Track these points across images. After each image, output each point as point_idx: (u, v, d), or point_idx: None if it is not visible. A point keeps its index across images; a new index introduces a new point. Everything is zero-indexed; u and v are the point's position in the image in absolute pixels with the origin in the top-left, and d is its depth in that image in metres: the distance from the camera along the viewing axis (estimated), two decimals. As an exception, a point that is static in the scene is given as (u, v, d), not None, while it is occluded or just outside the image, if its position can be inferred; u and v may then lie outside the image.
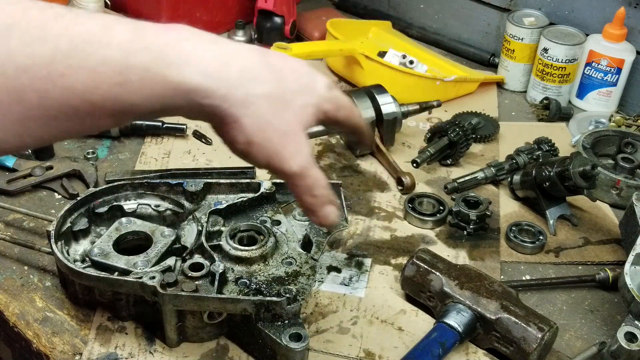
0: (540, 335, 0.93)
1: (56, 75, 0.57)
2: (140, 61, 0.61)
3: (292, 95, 0.70)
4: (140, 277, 0.92)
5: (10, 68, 0.55)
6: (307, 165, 0.71)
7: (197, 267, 0.95)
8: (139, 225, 1.04)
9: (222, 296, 0.91)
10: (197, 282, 0.92)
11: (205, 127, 1.44)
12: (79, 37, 0.58)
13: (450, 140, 1.33)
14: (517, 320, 0.95)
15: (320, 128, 1.34)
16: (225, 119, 0.66)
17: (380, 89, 1.37)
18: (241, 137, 0.68)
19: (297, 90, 0.71)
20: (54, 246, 0.98)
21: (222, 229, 1.02)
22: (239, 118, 0.66)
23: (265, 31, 1.70)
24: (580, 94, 1.58)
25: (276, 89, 0.69)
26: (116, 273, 0.96)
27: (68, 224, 1.03)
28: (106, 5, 1.66)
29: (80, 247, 1.04)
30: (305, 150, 0.71)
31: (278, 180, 1.12)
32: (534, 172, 1.22)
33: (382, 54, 1.59)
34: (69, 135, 0.67)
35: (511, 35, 1.59)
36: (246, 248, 0.98)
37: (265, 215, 1.07)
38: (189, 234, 1.04)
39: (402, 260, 1.14)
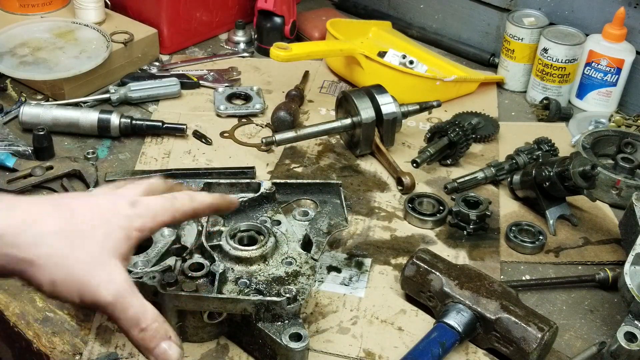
0: (540, 335, 0.93)
1: None
2: None
3: (89, 227, 0.70)
4: (141, 277, 0.92)
5: None
6: (123, 294, 0.68)
7: (197, 267, 0.95)
8: (139, 225, 1.04)
9: (222, 296, 0.91)
10: (197, 282, 0.92)
11: (205, 127, 1.44)
12: None
13: (450, 140, 1.33)
14: (517, 320, 0.95)
15: (320, 128, 1.35)
16: (20, 264, 0.66)
17: (380, 89, 1.37)
18: (43, 277, 0.66)
19: (93, 221, 0.70)
20: (54, 246, 0.98)
21: (222, 229, 1.02)
22: (33, 259, 0.66)
23: (265, 31, 1.70)
24: (580, 94, 1.58)
25: (68, 223, 0.68)
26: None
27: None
28: (106, 5, 1.66)
29: (80, 247, 1.04)
30: (118, 278, 0.69)
31: (278, 180, 1.12)
32: (534, 172, 1.22)
33: (382, 54, 1.59)
34: None
35: (511, 35, 1.59)
36: (246, 248, 0.98)
37: (265, 215, 1.07)
38: (189, 233, 1.04)
39: (402, 260, 1.14)
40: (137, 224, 0.73)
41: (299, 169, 1.35)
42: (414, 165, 1.30)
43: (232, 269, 0.96)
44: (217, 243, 0.99)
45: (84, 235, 0.68)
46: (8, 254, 0.65)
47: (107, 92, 1.49)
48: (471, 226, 1.19)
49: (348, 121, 1.36)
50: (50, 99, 1.48)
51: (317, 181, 1.15)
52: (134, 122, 1.38)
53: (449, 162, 1.36)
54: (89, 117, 1.36)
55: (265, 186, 1.10)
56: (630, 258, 1.01)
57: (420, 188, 1.30)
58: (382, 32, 1.76)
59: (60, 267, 0.67)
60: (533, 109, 1.58)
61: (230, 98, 1.52)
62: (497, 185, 1.32)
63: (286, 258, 0.99)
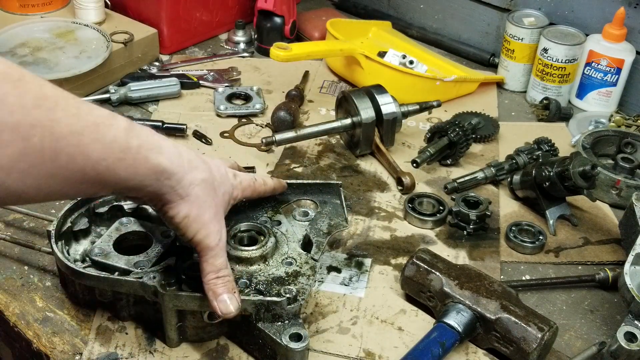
0: (540, 335, 0.93)
1: (83, 145, 0.71)
2: (135, 144, 0.76)
3: (218, 184, 0.88)
4: (141, 277, 0.92)
5: (55, 132, 0.68)
6: (221, 246, 0.87)
7: (197, 266, 0.95)
8: (139, 225, 1.04)
9: (222, 296, 0.91)
10: (197, 282, 0.92)
11: (205, 127, 1.44)
12: (99, 118, 0.73)
13: (450, 140, 1.33)
14: (517, 320, 0.95)
15: (320, 128, 1.35)
16: (176, 196, 0.83)
17: (380, 89, 1.37)
18: (183, 211, 0.84)
19: (220, 180, 0.89)
20: (54, 246, 0.98)
21: (222, 229, 1.02)
22: (184, 196, 0.83)
23: (265, 31, 1.70)
24: (580, 94, 1.58)
25: (209, 177, 0.87)
26: (116, 273, 0.96)
27: (68, 224, 1.03)
28: (106, 5, 1.66)
29: (80, 247, 1.04)
30: (224, 232, 0.88)
31: (278, 180, 1.12)
32: (533, 172, 1.22)
33: (382, 54, 1.59)
34: (65, 196, 0.78)
35: (511, 35, 1.59)
36: (246, 248, 0.98)
37: (266, 215, 1.07)
38: (189, 234, 1.04)
39: (402, 260, 1.14)
40: (234, 193, 0.94)
41: (299, 169, 1.35)
42: (414, 165, 1.30)
43: (232, 269, 0.96)
44: (217, 243, 0.99)
45: (215, 190, 0.87)
46: (173, 187, 0.82)
47: (107, 92, 1.49)
48: (471, 226, 1.19)
49: (348, 121, 1.36)
50: (50, 99, 1.48)
51: (317, 181, 1.15)
52: (135, 121, 1.37)
53: (449, 162, 1.36)
54: (89, 117, 1.36)
55: (265, 186, 1.09)
56: (630, 258, 1.01)
57: (420, 188, 1.31)
58: (382, 32, 1.76)
59: (196, 208, 0.84)
60: (533, 109, 1.58)
61: (230, 98, 1.52)
62: (497, 185, 1.32)
63: (286, 258, 0.99)
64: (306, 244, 1.04)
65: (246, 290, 0.93)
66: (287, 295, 0.90)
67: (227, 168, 0.94)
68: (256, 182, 1.00)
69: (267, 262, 0.98)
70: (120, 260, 0.97)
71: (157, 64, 1.62)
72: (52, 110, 0.68)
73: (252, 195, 0.99)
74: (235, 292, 0.88)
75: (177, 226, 0.85)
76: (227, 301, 0.87)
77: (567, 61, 1.52)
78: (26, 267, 1.09)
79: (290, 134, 1.33)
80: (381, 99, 1.35)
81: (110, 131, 0.74)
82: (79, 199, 1.06)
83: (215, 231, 0.86)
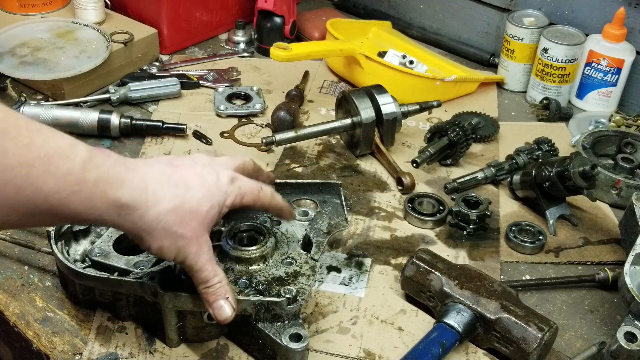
0: (540, 335, 0.93)
1: (33, 177, 0.69)
2: (92, 177, 0.74)
3: (197, 203, 0.83)
4: (141, 277, 0.92)
5: (2, 164, 0.67)
6: (205, 261, 0.85)
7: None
8: (139, 225, 1.04)
9: (222, 296, 0.91)
10: (197, 282, 0.92)
11: (205, 127, 1.44)
12: (53, 149, 0.71)
13: (450, 140, 1.33)
14: (517, 320, 0.95)
15: (320, 128, 1.35)
16: (141, 232, 0.80)
17: (380, 89, 1.37)
18: (154, 244, 0.82)
19: (201, 197, 0.84)
20: (54, 246, 0.98)
21: (222, 229, 1.02)
22: (152, 231, 0.80)
23: (265, 31, 1.70)
24: (580, 94, 1.58)
25: (181, 201, 0.82)
26: (116, 273, 0.96)
27: (68, 224, 1.03)
28: (106, 5, 1.66)
29: (80, 247, 1.04)
30: (203, 249, 0.85)
31: (278, 180, 1.12)
32: (533, 172, 1.22)
33: (382, 54, 1.59)
34: (13, 225, 0.78)
35: (511, 35, 1.59)
36: (246, 248, 0.98)
37: (265, 215, 1.07)
38: (189, 234, 1.04)
39: (402, 260, 1.14)
40: (229, 200, 0.87)
41: (299, 169, 1.35)
42: (414, 165, 1.30)
43: (232, 269, 0.96)
44: (217, 243, 0.99)
45: (191, 212, 0.83)
46: (136, 223, 0.79)
47: (107, 92, 1.49)
48: (471, 226, 1.19)
49: (348, 121, 1.36)
50: (50, 99, 1.48)
51: (317, 181, 1.15)
52: (134, 122, 1.38)
53: (449, 162, 1.36)
54: (89, 117, 1.37)
55: (265, 186, 1.09)
56: (630, 258, 1.01)
57: (420, 188, 1.30)
58: (382, 32, 1.76)
59: (169, 238, 0.81)
60: (533, 109, 1.58)
61: (230, 98, 1.52)
62: (497, 185, 1.32)
63: (286, 258, 0.99)
64: (306, 244, 1.04)
65: (246, 291, 0.93)
66: (287, 296, 0.90)
67: (222, 173, 0.88)
68: (262, 191, 0.92)
69: (267, 262, 0.98)
70: (120, 261, 0.97)
71: (157, 64, 1.62)
72: None
73: (254, 205, 0.92)
74: (228, 297, 0.87)
75: (154, 254, 0.85)
76: (221, 307, 0.87)
77: (567, 61, 1.52)
78: (26, 267, 1.09)
79: (290, 134, 1.33)
80: (381, 99, 1.35)
81: (64, 163, 0.71)
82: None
83: (194, 252, 0.84)
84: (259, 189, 0.92)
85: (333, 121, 1.37)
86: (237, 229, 1.02)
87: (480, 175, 1.29)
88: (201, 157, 0.91)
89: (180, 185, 0.83)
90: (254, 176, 0.95)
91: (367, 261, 1.14)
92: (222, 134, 1.42)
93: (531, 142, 1.39)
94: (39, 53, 1.50)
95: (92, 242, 1.03)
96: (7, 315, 1.02)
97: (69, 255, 1.00)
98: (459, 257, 1.16)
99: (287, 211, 0.98)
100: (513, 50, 1.60)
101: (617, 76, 1.51)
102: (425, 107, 1.41)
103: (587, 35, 1.54)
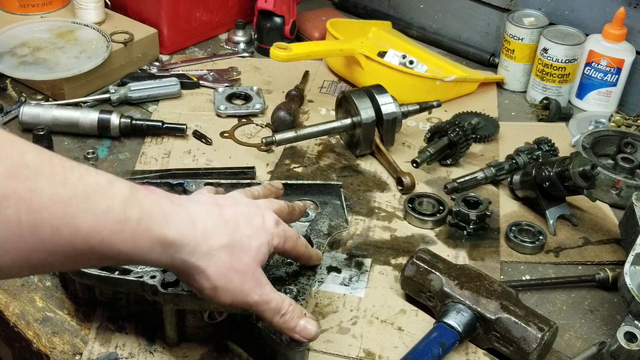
0: (540, 335, 0.93)
1: (70, 216, 0.65)
2: (135, 215, 0.70)
3: (247, 240, 0.81)
4: (141, 277, 0.92)
5: (35, 204, 0.63)
6: (266, 293, 0.82)
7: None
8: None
9: (222, 296, 0.91)
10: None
11: (205, 127, 1.44)
12: (90, 186, 0.68)
13: (450, 140, 1.33)
14: (517, 320, 0.95)
15: (320, 128, 1.35)
16: (192, 269, 0.77)
17: (380, 89, 1.37)
18: (207, 284, 0.78)
19: (251, 234, 0.82)
20: (54, 246, 0.98)
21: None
22: (204, 269, 0.77)
23: (265, 31, 1.70)
24: (580, 94, 1.58)
25: (232, 238, 0.79)
26: (116, 272, 0.96)
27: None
28: (106, 5, 1.66)
29: (80, 247, 1.04)
30: (262, 282, 0.82)
31: (278, 181, 1.12)
32: (533, 172, 1.22)
33: (382, 54, 1.59)
34: (55, 269, 0.75)
35: (511, 35, 1.59)
36: (246, 248, 0.98)
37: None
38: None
39: (402, 260, 1.14)
40: (275, 242, 0.85)
41: (299, 169, 1.35)
42: (414, 165, 1.30)
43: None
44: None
45: (242, 249, 0.80)
46: (186, 261, 0.76)
47: (107, 92, 1.49)
48: (471, 226, 1.19)
49: (348, 121, 1.36)
50: (50, 99, 1.48)
51: (318, 182, 1.15)
52: (134, 122, 1.38)
53: (449, 162, 1.36)
54: (89, 117, 1.37)
55: (265, 186, 1.09)
56: (630, 258, 1.01)
57: (420, 188, 1.31)
58: (382, 32, 1.76)
59: (223, 277, 0.78)
60: (533, 109, 1.58)
61: (230, 98, 1.52)
62: (497, 185, 1.32)
63: (287, 258, 0.99)
64: (306, 244, 1.04)
65: (246, 290, 0.93)
66: (288, 295, 0.90)
67: (266, 215, 0.86)
68: (299, 239, 0.91)
69: (267, 262, 0.98)
70: (120, 260, 0.97)
71: (157, 64, 1.62)
72: (31, 180, 0.63)
73: (292, 251, 0.90)
74: (305, 314, 0.85)
75: (207, 299, 0.80)
76: (304, 327, 0.85)
77: (567, 61, 1.52)
78: (26, 267, 1.09)
79: (290, 134, 1.33)
80: (381, 99, 1.35)
81: (103, 200, 0.68)
82: None
83: (251, 289, 0.80)
84: (297, 237, 0.91)
85: (333, 121, 1.37)
86: (237, 229, 1.02)
87: (480, 175, 1.29)
88: (242, 197, 0.89)
89: (230, 222, 0.80)
90: (289, 218, 0.94)
91: (367, 261, 1.14)
92: (222, 134, 1.42)
93: (531, 142, 1.39)
94: (39, 53, 1.50)
95: (92, 242, 1.03)
96: (7, 315, 1.02)
97: (69, 255, 1.00)
98: (459, 257, 1.16)
99: (317, 258, 0.97)
100: (513, 50, 1.60)
101: (617, 76, 1.51)
102: (425, 107, 1.41)
103: (587, 35, 1.54)
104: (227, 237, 0.79)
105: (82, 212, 0.66)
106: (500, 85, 1.66)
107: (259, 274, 0.82)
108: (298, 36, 1.77)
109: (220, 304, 0.81)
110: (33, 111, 1.36)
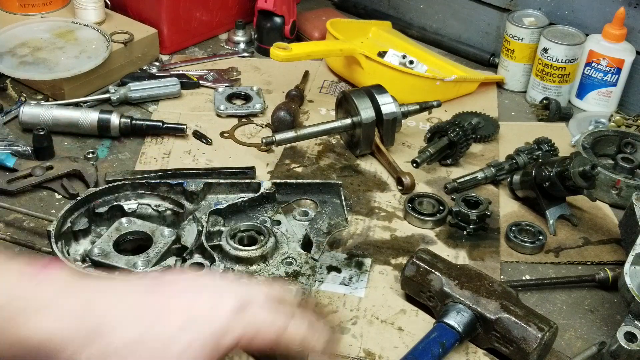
0: (540, 335, 0.93)
1: None
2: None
3: (170, 336, 0.61)
4: (141, 277, 0.92)
5: None
6: None
7: (197, 267, 0.95)
8: (139, 225, 1.04)
9: (222, 296, 0.91)
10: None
11: (205, 127, 1.44)
12: None
13: (450, 140, 1.33)
14: (517, 320, 0.95)
15: (320, 128, 1.35)
16: None
17: (380, 89, 1.37)
18: None
19: (180, 327, 0.61)
20: (54, 246, 0.98)
21: (222, 229, 1.02)
22: None
23: (265, 31, 1.70)
24: (580, 94, 1.58)
25: (146, 332, 0.60)
26: (116, 273, 0.96)
27: (68, 224, 1.03)
28: (106, 5, 1.66)
29: (80, 247, 1.04)
30: None
31: (278, 180, 1.12)
32: (533, 172, 1.22)
33: (382, 54, 1.59)
34: None
35: (511, 35, 1.59)
36: (246, 248, 0.98)
37: (265, 215, 1.07)
38: (189, 234, 1.04)
39: (402, 260, 1.14)
40: (235, 333, 0.63)
41: (299, 169, 1.35)
42: (414, 165, 1.30)
43: (232, 269, 0.96)
44: (217, 243, 0.99)
45: (162, 348, 0.60)
46: None
47: (107, 92, 1.49)
48: (471, 226, 1.19)
49: (348, 121, 1.36)
50: (50, 99, 1.48)
51: (317, 181, 1.15)
52: (134, 122, 1.38)
53: (449, 162, 1.36)
54: (89, 117, 1.37)
55: (265, 186, 1.10)
56: (630, 258, 1.01)
57: (420, 188, 1.30)
58: (382, 32, 1.76)
59: None
60: (533, 109, 1.58)
61: (230, 98, 1.52)
62: (497, 185, 1.32)
63: (286, 258, 0.99)
64: (306, 244, 1.04)
65: (246, 290, 0.93)
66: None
67: (224, 299, 0.64)
68: (288, 330, 0.66)
69: (267, 262, 0.98)
70: (120, 261, 0.97)
71: (157, 64, 1.62)
72: None
73: (278, 344, 0.66)
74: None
75: None
76: (330, 345, 0.68)
77: (567, 61, 1.52)
78: (26, 267, 1.09)
79: (290, 134, 1.33)
80: (381, 99, 1.35)
81: None
82: (79, 197, 1.06)
83: None
84: (285, 326, 0.66)
85: (333, 121, 1.37)
86: (237, 229, 1.02)
87: (480, 175, 1.29)
88: (221, 275, 0.73)
89: (150, 313, 0.62)
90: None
91: (367, 261, 1.14)
92: (222, 134, 1.42)
93: (531, 142, 1.39)
94: (39, 53, 1.50)
95: (92, 242, 1.03)
96: (7, 315, 1.01)
97: (69, 255, 1.00)
98: (459, 257, 1.16)
99: (330, 347, 0.72)
100: (513, 50, 1.60)
101: (617, 76, 1.51)
102: (425, 107, 1.41)
103: (587, 35, 1.54)
104: (136, 330, 0.60)
105: None
106: (500, 85, 1.66)
107: None
108: (298, 36, 1.77)
109: None
110: (33, 111, 1.36)
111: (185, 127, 1.39)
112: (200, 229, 1.02)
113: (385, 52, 1.60)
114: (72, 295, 0.60)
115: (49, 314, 0.57)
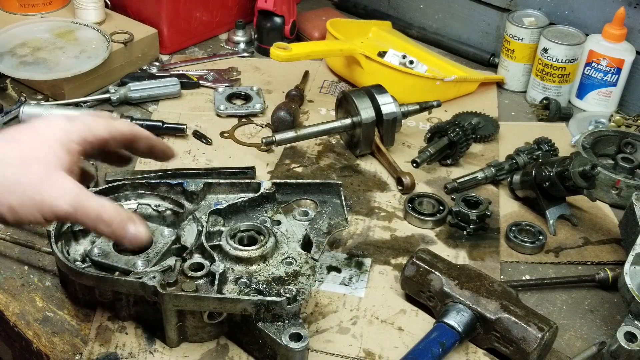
0: (540, 335, 0.93)
1: None
2: None
3: (33, 150, 0.75)
4: (141, 277, 0.92)
5: None
6: (79, 200, 0.75)
7: (197, 267, 0.95)
8: (139, 225, 1.04)
9: (222, 296, 0.91)
10: (197, 282, 0.92)
11: (205, 127, 1.44)
12: None
13: (450, 140, 1.33)
14: (517, 320, 0.95)
15: (320, 128, 1.35)
16: None
17: (380, 89, 1.37)
18: (1, 206, 0.72)
19: (35, 144, 0.76)
20: (54, 246, 0.98)
21: (222, 229, 1.02)
22: None
23: (265, 31, 1.70)
24: (580, 94, 1.58)
25: (14, 152, 0.74)
26: (116, 273, 0.96)
27: (68, 224, 1.03)
28: (106, 5, 1.66)
29: (80, 247, 1.04)
30: (69, 188, 0.75)
31: (278, 180, 1.12)
32: (533, 172, 1.22)
33: (382, 54, 1.59)
34: None
35: (511, 35, 1.59)
36: (246, 248, 0.98)
37: (265, 215, 1.07)
38: (189, 234, 1.04)
39: (402, 260, 1.14)
40: (74, 136, 0.78)
41: (299, 169, 1.35)
42: (414, 165, 1.30)
43: (232, 269, 0.96)
44: (217, 243, 0.99)
45: (29, 159, 0.74)
46: None
47: (107, 92, 1.49)
48: (471, 226, 1.19)
49: (348, 121, 1.36)
50: (50, 99, 1.48)
51: (317, 181, 1.15)
52: (134, 122, 1.38)
53: (449, 162, 1.36)
54: (89, 117, 1.36)
55: (265, 186, 1.10)
56: (630, 258, 1.01)
57: (420, 188, 1.30)
58: (382, 32, 1.76)
59: (13, 193, 0.72)
60: (533, 109, 1.58)
61: (230, 98, 1.52)
62: (497, 185, 1.32)
63: (286, 258, 0.99)
64: (306, 244, 1.04)
65: (246, 290, 0.93)
66: (287, 295, 0.90)
67: (54, 117, 0.80)
68: (114, 121, 0.83)
69: (267, 262, 0.98)
70: (120, 261, 0.97)
71: (157, 64, 1.62)
72: None
73: (113, 135, 0.83)
74: (133, 219, 0.80)
75: (20, 223, 0.76)
76: (135, 233, 0.80)
77: (567, 61, 1.52)
78: (26, 267, 1.09)
79: (290, 134, 1.33)
80: (381, 99, 1.35)
81: None
82: None
83: (58, 195, 0.74)
84: (111, 119, 0.83)
85: (333, 121, 1.37)
86: (237, 228, 1.02)
87: (480, 175, 1.29)
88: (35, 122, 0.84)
89: (11, 141, 0.76)
90: (131, 146, 0.88)
91: (367, 261, 1.14)
92: (222, 134, 1.42)
93: (531, 142, 1.39)
94: (39, 53, 1.50)
95: (92, 242, 1.03)
96: (7, 315, 1.02)
97: (69, 255, 1.00)
98: (459, 257, 1.16)
99: (161, 146, 0.90)
100: (513, 50, 1.60)
101: (617, 76, 1.51)
102: (425, 107, 1.41)
103: (587, 35, 1.54)
104: (6, 151, 0.75)
105: None
106: (500, 85, 1.66)
107: (62, 180, 0.75)
108: (298, 36, 1.77)
109: (30, 220, 0.74)
110: (33, 111, 1.36)
111: (185, 127, 1.39)
112: (200, 229, 1.02)
113: (385, 52, 1.60)
114: None
115: None
